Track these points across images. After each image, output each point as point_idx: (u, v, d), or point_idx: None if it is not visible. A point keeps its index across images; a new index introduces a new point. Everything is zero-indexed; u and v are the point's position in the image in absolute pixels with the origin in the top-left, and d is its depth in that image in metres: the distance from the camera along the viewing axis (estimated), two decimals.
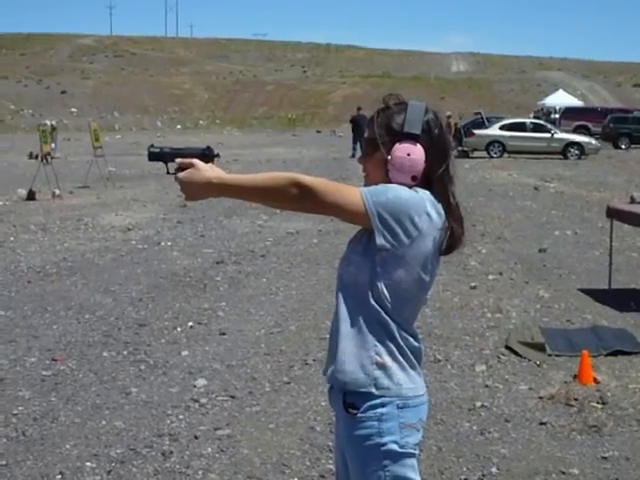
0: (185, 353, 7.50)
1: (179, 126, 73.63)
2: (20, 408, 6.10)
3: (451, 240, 2.82)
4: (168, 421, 5.88)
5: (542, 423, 5.82)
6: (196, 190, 2.74)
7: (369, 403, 2.73)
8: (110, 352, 7.52)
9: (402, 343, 2.76)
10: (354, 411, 2.74)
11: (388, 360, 2.74)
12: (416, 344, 2.82)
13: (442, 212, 2.77)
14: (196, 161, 2.73)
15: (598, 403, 6.15)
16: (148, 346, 7.72)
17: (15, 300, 9.46)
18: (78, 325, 8.43)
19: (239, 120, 79.26)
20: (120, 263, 11.69)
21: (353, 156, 33.48)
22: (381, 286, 2.71)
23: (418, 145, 2.75)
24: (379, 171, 2.80)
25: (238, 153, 35.31)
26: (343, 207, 2.67)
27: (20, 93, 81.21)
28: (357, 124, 34.11)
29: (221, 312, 8.97)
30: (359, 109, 35.86)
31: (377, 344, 2.74)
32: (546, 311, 9.01)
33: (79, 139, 45.09)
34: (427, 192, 2.75)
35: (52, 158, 20.51)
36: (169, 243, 13.32)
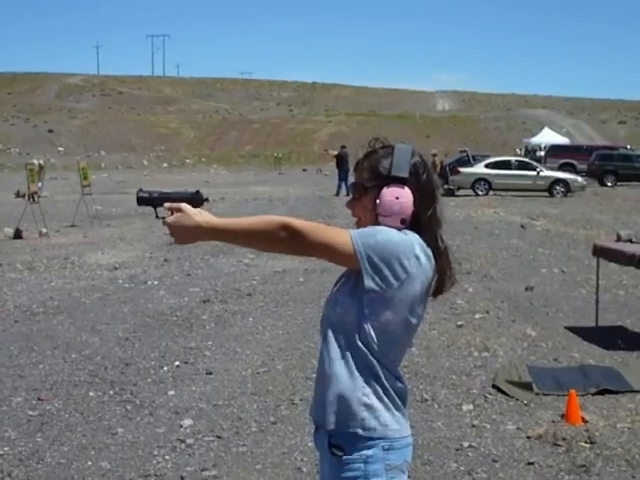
0: (171, 393, 7.46)
1: (165, 164, 73.75)
2: (6, 449, 6.05)
3: (440, 283, 2.83)
4: (154, 461, 5.84)
5: (530, 463, 5.80)
6: (185, 234, 2.74)
7: (355, 445, 2.71)
8: (96, 392, 7.48)
9: (387, 384, 2.76)
10: (340, 453, 2.72)
11: (375, 401, 2.73)
12: (401, 386, 2.82)
13: (431, 255, 2.78)
14: (185, 205, 2.73)
15: (586, 443, 6.13)
16: (134, 386, 7.68)
17: (1, 339, 9.40)
18: (64, 364, 8.38)
19: (225, 159, 79.47)
20: (107, 302, 11.65)
21: (337, 194, 33.56)
22: (368, 327, 2.71)
23: (406, 188, 2.76)
24: (368, 215, 2.82)
25: (224, 192, 35.31)
26: (332, 249, 2.68)
27: (7, 132, 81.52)
28: (341, 162, 34.42)
29: (207, 351, 8.93)
30: (343, 147, 36.18)
31: (365, 385, 2.73)
32: (533, 350, 9.00)
33: (66, 178, 45.08)
34: (416, 235, 2.76)
35: (39, 197, 20.49)
36: (155, 282, 13.29)
